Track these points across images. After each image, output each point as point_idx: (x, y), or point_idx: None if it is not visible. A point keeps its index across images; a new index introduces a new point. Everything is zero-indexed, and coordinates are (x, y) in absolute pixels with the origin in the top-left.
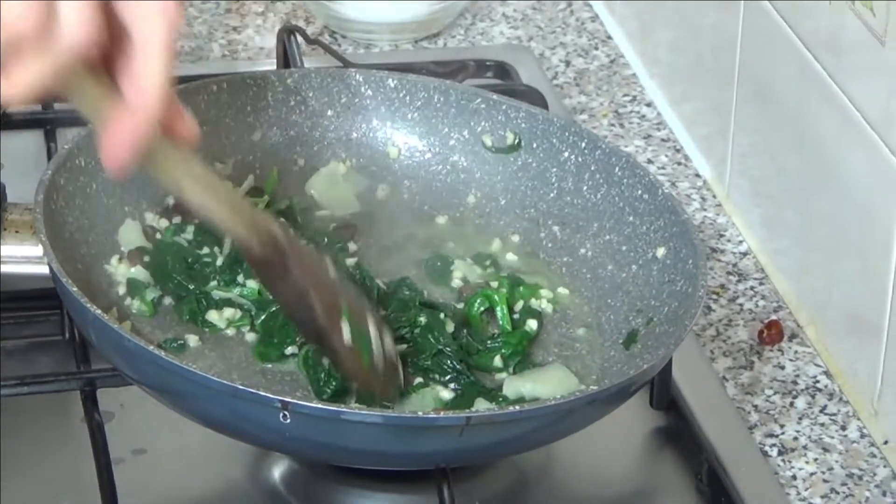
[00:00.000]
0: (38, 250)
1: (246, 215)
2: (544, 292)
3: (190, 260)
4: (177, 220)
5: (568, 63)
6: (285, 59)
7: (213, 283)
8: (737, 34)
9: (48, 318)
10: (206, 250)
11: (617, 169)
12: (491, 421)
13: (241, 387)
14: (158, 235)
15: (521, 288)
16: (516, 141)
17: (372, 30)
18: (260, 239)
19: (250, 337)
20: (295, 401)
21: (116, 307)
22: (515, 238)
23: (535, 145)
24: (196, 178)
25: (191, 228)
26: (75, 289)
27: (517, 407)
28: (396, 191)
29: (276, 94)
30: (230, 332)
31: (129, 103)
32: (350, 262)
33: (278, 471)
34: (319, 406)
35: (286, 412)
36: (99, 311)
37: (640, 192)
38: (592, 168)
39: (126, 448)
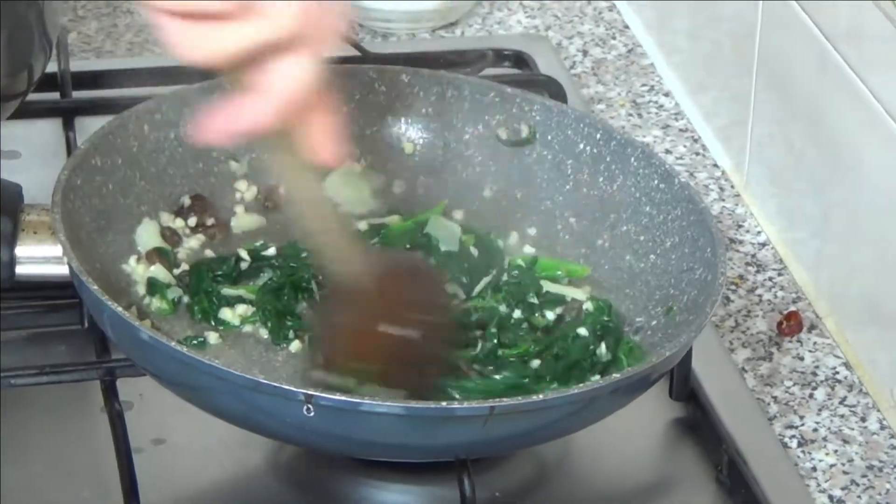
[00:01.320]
0: (56, 250)
1: (338, 251)
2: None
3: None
4: (192, 220)
5: (585, 53)
6: None
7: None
8: (756, 23)
9: (67, 308)
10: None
11: (633, 159)
12: (515, 410)
13: (264, 381)
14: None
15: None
16: (531, 134)
17: (389, 18)
18: (341, 273)
19: (264, 332)
20: (319, 393)
21: (136, 306)
22: (532, 231)
23: (549, 137)
24: (306, 199)
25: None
26: (95, 287)
27: (540, 396)
28: (412, 187)
29: None
30: (247, 328)
31: (263, 89)
32: None
33: (298, 461)
34: (344, 398)
35: (310, 405)
36: (119, 308)
37: (656, 181)
38: (608, 159)
39: (146, 438)
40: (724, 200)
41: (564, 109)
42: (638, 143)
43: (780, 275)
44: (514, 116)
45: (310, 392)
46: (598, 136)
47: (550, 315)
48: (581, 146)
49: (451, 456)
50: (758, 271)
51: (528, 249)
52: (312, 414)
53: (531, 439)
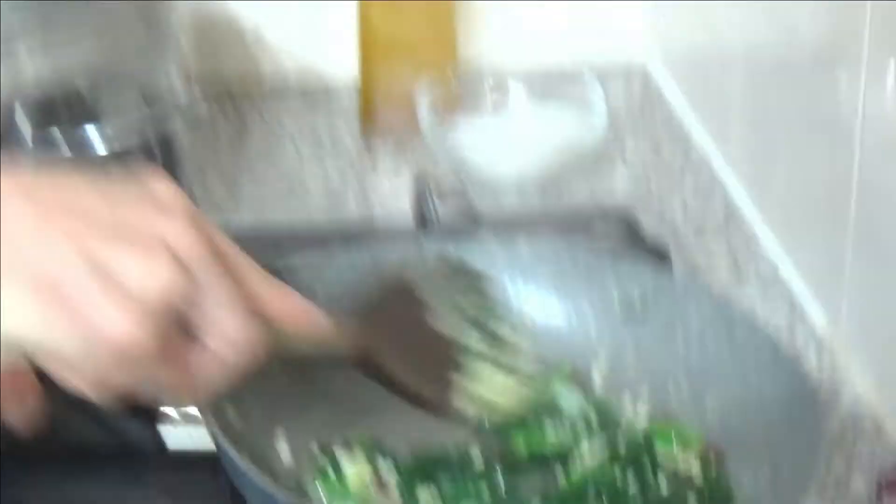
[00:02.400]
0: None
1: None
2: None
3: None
4: None
5: (685, 212)
6: (420, 209)
7: None
8: (851, 179)
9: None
10: None
11: (737, 327)
12: None
13: None
14: None
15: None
16: (642, 301)
17: (494, 178)
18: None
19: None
20: None
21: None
22: (643, 392)
23: (659, 305)
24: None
25: None
26: (245, 463)
27: None
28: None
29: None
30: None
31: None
32: None
33: None
34: None
35: None
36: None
37: (760, 349)
38: (714, 326)
39: None
40: (821, 359)
41: (672, 276)
42: (742, 310)
43: (878, 437)
44: (626, 285)
45: None
46: (705, 303)
47: (662, 482)
48: (689, 313)
49: None
50: (855, 431)
51: (641, 409)
52: None
53: None
